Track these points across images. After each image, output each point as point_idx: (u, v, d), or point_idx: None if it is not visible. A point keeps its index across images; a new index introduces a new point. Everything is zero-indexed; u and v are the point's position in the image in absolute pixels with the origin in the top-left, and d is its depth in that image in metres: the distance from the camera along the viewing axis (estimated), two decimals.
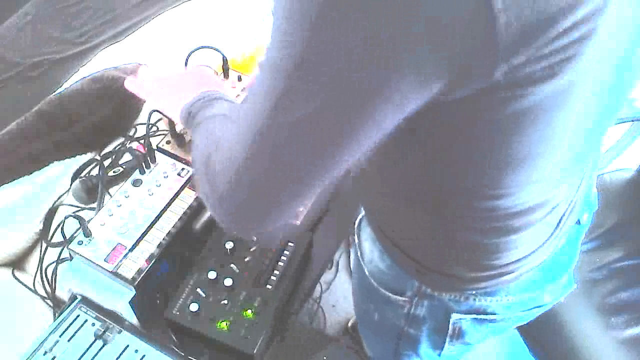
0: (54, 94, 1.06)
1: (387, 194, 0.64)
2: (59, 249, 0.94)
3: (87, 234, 0.79)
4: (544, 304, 0.77)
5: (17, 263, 1.01)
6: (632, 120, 1.40)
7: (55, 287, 0.91)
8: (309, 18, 0.38)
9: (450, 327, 0.74)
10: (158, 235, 0.81)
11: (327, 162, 0.46)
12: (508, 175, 0.51)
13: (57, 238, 0.94)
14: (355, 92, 0.40)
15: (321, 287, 1.51)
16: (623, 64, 0.48)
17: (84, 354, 0.77)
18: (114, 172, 1.01)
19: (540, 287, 0.74)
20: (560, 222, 0.67)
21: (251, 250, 0.87)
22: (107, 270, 0.77)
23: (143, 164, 0.87)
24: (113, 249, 0.79)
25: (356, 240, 0.84)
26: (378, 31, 0.36)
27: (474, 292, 0.69)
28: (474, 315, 0.72)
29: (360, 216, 0.88)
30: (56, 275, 0.92)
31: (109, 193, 0.99)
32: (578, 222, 0.74)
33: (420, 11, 0.35)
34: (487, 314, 0.72)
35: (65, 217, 0.92)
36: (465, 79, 0.40)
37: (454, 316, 0.72)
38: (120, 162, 1.05)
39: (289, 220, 0.51)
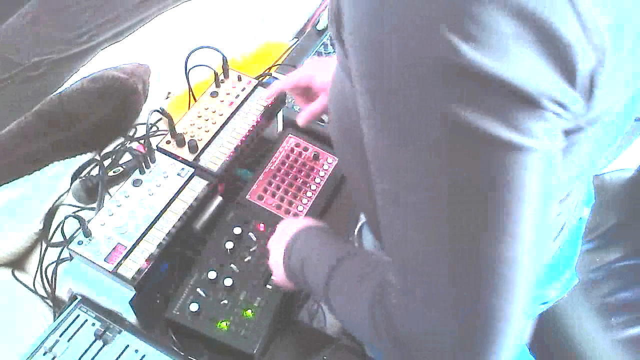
0: (54, 94, 1.06)
1: None
2: (59, 249, 0.94)
3: (87, 234, 0.79)
4: (549, 299, 0.78)
5: (17, 263, 1.01)
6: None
7: (55, 287, 0.91)
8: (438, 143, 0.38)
9: None
10: (158, 235, 0.81)
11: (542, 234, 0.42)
12: None
13: (57, 238, 0.94)
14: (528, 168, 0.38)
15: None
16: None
17: (84, 354, 0.77)
18: (114, 172, 1.01)
19: (546, 283, 0.75)
20: (567, 219, 0.68)
21: (251, 250, 0.87)
22: (107, 270, 0.77)
23: (143, 164, 0.87)
24: (113, 249, 0.79)
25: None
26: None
27: None
28: None
29: (360, 223, 0.88)
30: (56, 275, 0.92)
31: (109, 193, 0.99)
32: (579, 218, 0.75)
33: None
34: None
35: (65, 217, 0.92)
36: None
37: None
38: (120, 162, 1.05)
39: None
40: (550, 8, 0.34)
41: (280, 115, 1.07)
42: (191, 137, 0.93)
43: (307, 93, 0.88)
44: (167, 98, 1.23)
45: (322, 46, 1.24)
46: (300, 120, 0.89)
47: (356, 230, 0.87)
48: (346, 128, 0.62)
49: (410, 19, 0.36)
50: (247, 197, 0.95)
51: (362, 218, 0.88)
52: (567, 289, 0.82)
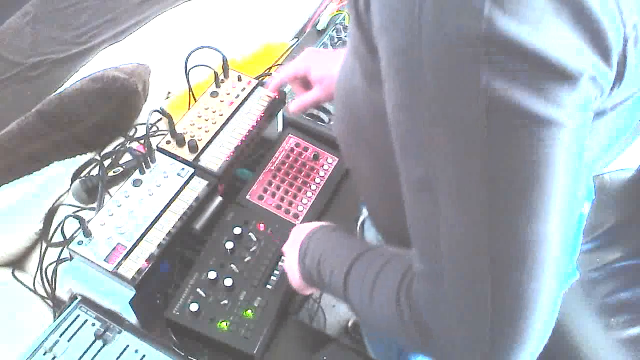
0: (54, 94, 1.06)
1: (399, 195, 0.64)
2: (59, 249, 0.94)
3: (87, 234, 0.79)
4: None
5: (17, 263, 1.01)
6: None
7: (55, 287, 0.91)
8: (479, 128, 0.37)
9: None
10: (158, 235, 0.81)
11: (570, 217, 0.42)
12: None
13: (57, 238, 0.94)
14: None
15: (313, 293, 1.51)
16: None
17: (84, 354, 0.77)
18: (114, 172, 1.02)
19: None
20: None
21: (251, 250, 0.87)
22: (107, 270, 0.77)
23: (143, 164, 0.87)
24: (113, 249, 0.79)
25: None
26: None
27: None
28: None
29: (362, 217, 0.88)
30: (56, 275, 0.92)
31: (109, 193, 0.99)
32: (580, 213, 0.75)
33: None
34: None
35: (65, 217, 0.92)
36: None
37: None
38: (120, 162, 1.05)
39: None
40: None
41: (280, 115, 1.07)
42: (191, 137, 0.93)
43: (305, 82, 0.88)
44: (167, 98, 1.23)
45: (322, 46, 1.24)
46: (292, 107, 0.89)
47: (358, 225, 0.87)
48: (354, 123, 0.61)
49: None
50: (247, 197, 0.95)
51: (364, 212, 0.88)
52: (567, 284, 0.82)
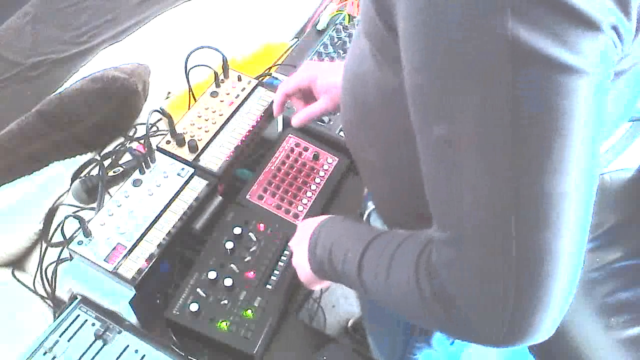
0: (54, 94, 1.06)
1: (412, 185, 0.64)
2: (59, 249, 0.94)
3: (87, 234, 0.79)
4: None
5: (17, 263, 1.01)
6: (632, 120, 1.40)
7: (55, 287, 0.91)
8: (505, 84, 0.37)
9: None
10: (158, 235, 0.81)
11: (592, 175, 0.42)
12: None
13: (57, 238, 0.94)
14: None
15: (321, 287, 1.51)
16: None
17: (84, 354, 0.77)
18: (114, 172, 1.02)
19: None
20: None
21: (251, 250, 0.87)
22: (107, 270, 0.77)
23: (143, 164, 0.87)
24: (113, 249, 0.79)
25: None
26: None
27: None
28: None
29: (368, 211, 0.88)
30: (56, 275, 0.92)
31: (109, 193, 0.99)
32: None
33: None
34: None
35: (65, 217, 0.92)
36: None
37: None
38: (120, 162, 1.05)
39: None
40: None
41: (280, 115, 1.06)
42: (191, 137, 0.93)
43: (305, 95, 0.87)
44: (167, 98, 1.23)
45: (322, 46, 1.24)
46: (296, 121, 0.87)
47: (364, 217, 0.87)
48: (361, 111, 0.61)
49: None
50: (247, 197, 0.95)
51: (370, 206, 0.88)
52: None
